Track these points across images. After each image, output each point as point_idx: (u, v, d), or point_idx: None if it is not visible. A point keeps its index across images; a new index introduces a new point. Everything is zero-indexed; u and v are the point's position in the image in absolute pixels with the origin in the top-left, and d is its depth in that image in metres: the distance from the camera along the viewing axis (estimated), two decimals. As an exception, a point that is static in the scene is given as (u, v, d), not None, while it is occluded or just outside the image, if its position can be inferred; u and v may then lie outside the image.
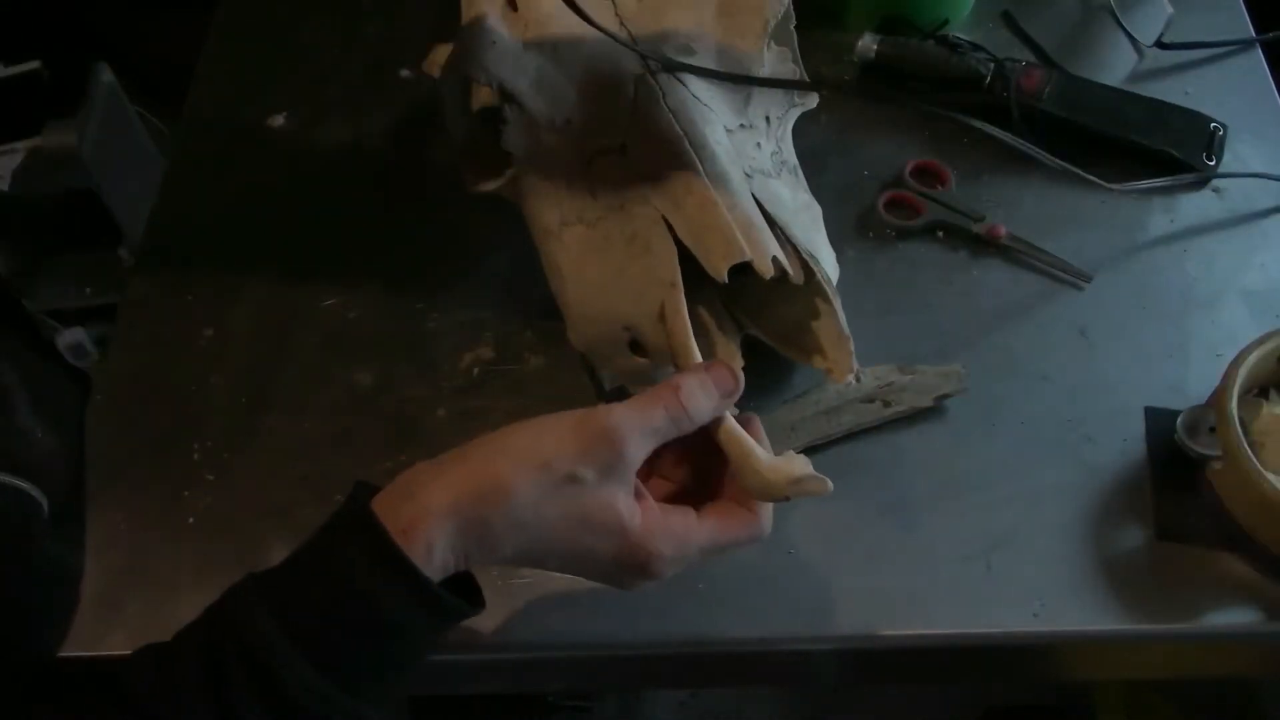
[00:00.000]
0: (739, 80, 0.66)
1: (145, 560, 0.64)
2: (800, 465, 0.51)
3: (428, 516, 0.46)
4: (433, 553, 0.46)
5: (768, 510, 0.52)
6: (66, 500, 0.64)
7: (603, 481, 0.48)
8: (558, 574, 0.62)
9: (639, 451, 0.49)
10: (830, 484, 0.51)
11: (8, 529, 0.59)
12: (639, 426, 0.48)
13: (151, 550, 0.64)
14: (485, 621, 0.60)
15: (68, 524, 0.64)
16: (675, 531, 0.50)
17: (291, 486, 0.67)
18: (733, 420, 0.52)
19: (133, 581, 0.63)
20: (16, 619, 0.59)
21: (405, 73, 0.87)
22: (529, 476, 0.47)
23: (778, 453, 0.52)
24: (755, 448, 0.52)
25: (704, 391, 0.50)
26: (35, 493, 0.60)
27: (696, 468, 0.55)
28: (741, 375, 0.52)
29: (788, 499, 0.51)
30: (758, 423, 0.55)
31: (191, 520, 0.66)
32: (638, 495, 0.50)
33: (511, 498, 0.46)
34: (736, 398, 0.52)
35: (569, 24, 0.64)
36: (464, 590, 0.50)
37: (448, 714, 1.17)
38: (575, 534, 0.48)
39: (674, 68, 0.64)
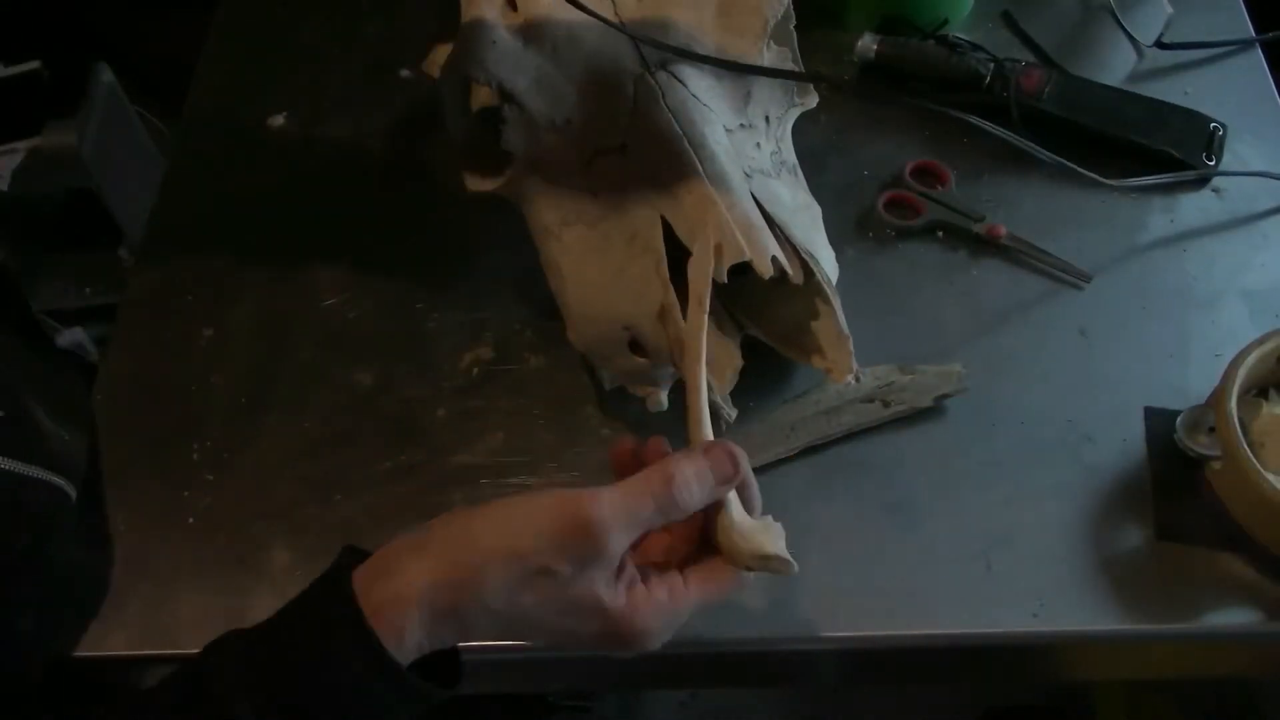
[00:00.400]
0: (736, 68, 0.66)
1: (145, 560, 0.64)
2: (773, 541, 0.49)
3: (399, 602, 0.44)
4: (404, 637, 0.44)
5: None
6: (86, 494, 0.64)
7: (581, 573, 0.46)
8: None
9: (621, 545, 0.46)
10: (796, 567, 0.50)
11: (40, 523, 0.59)
12: (623, 520, 0.46)
13: (151, 550, 0.64)
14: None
15: (88, 517, 0.64)
16: (662, 607, 0.48)
17: (291, 486, 0.67)
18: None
19: (133, 581, 0.63)
20: (42, 617, 0.59)
21: (405, 73, 0.87)
22: (503, 568, 0.45)
23: (768, 476, 0.51)
24: (734, 509, 0.50)
25: (699, 483, 0.47)
26: (65, 485, 0.60)
27: None
28: (743, 458, 0.49)
29: (750, 570, 0.50)
30: (750, 480, 0.51)
31: (191, 520, 0.66)
32: (621, 570, 0.48)
33: (484, 589, 0.45)
34: (735, 483, 0.49)
35: (569, 23, 0.64)
36: (446, 663, 0.48)
37: (448, 714, 1.17)
38: (554, 619, 0.47)
39: (668, 50, 0.64)
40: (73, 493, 0.61)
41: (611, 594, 0.46)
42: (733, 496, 0.50)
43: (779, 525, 0.50)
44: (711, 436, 0.52)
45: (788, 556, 0.50)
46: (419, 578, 0.45)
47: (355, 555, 0.48)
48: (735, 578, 0.50)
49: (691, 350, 0.55)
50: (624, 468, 0.50)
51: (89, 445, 0.67)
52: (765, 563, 0.49)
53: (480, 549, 0.45)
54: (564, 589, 0.45)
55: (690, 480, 0.47)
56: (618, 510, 0.45)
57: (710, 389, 0.57)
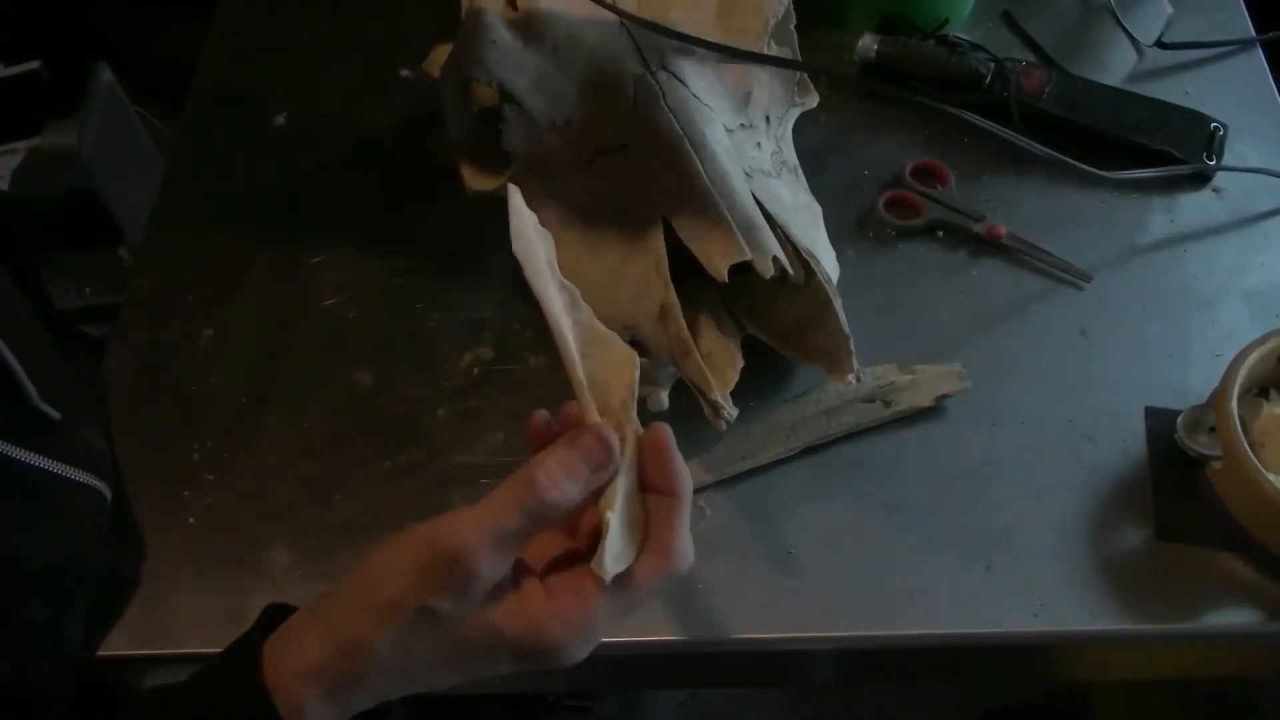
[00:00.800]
0: (736, 55, 0.66)
1: (145, 560, 0.64)
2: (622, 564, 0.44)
3: (296, 678, 0.43)
4: (304, 712, 0.43)
5: (682, 542, 0.45)
6: (116, 495, 0.64)
7: (461, 606, 0.43)
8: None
9: (494, 565, 0.42)
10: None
11: (86, 527, 0.59)
12: (489, 539, 0.42)
13: (151, 550, 0.64)
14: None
15: (119, 519, 0.65)
16: (569, 615, 0.44)
17: (291, 486, 0.67)
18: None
19: (133, 581, 0.63)
20: (90, 624, 0.60)
21: (405, 73, 0.87)
22: (379, 625, 0.42)
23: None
24: (611, 536, 0.44)
25: (568, 476, 0.43)
26: (103, 488, 0.61)
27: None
28: (615, 441, 0.45)
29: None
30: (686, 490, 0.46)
31: (191, 520, 0.66)
32: (517, 587, 0.45)
33: (374, 650, 0.43)
34: (610, 468, 0.45)
35: (569, 23, 0.64)
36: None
37: (448, 714, 1.16)
38: (459, 659, 0.44)
39: (668, 35, 0.64)
40: (109, 495, 0.61)
41: (506, 618, 0.43)
42: (616, 525, 0.44)
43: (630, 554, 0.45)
44: (596, 418, 0.46)
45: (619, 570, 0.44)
46: (313, 651, 0.43)
47: (279, 612, 0.46)
48: (661, 565, 0.45)
49: (557, 337, 0.48)
50: (541, 443, 0.47)
51: (108, 444, 0.67)
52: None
53: (358, 608, 0.43)
54: (453, 627, 0.43)
55: (556, 476, 0.43)
56: (479, 530, 0.42)
57: (711, 388, 0.57)
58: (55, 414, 0.57)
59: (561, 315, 0.48)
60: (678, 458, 0.46)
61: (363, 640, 0.43)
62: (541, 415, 0.49)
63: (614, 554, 0.44)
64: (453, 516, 0.42)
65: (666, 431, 0.46)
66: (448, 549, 0.41)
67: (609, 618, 0.45)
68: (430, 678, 0.45)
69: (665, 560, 0.45)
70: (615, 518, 0.44)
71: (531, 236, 0.47)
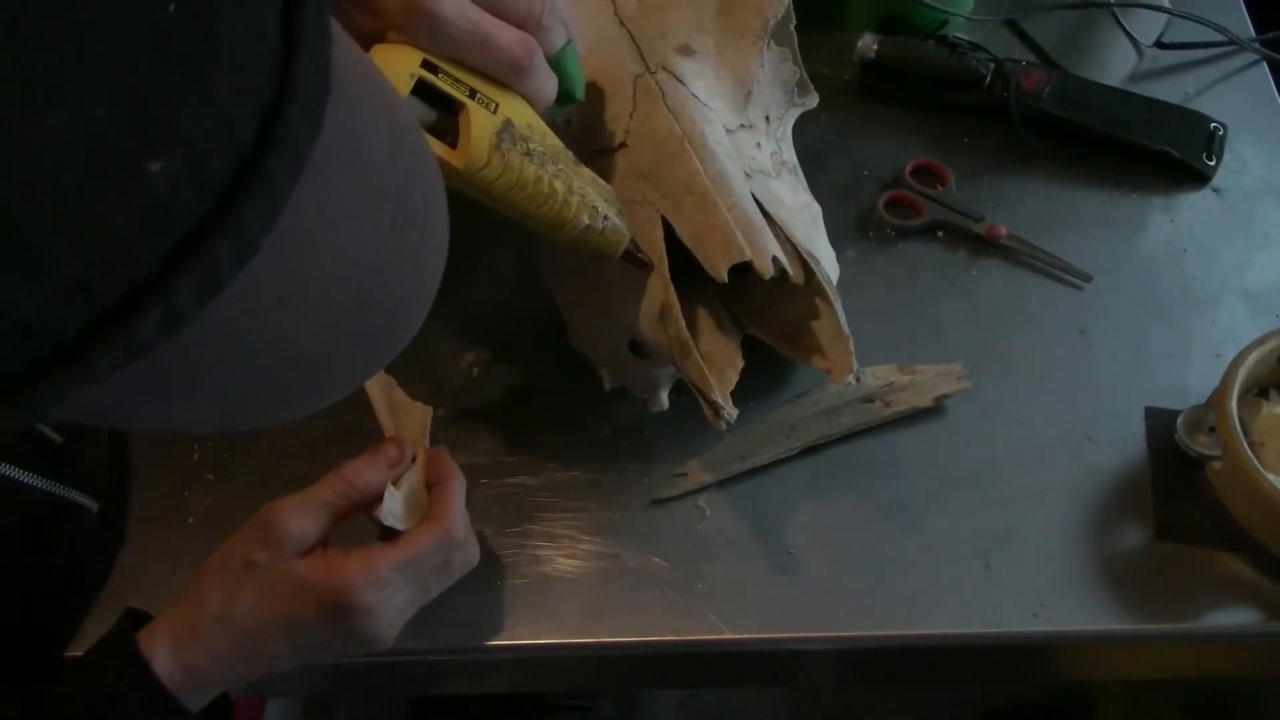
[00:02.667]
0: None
1: (145, 560, 0.64)
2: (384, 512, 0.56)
3: (150, 632, 0.52)
4: (152, 660, 0.51)
5: (450, 510, 0.55)
6: (110, 501, 0.65)
7: (276, 559, 0.53)
8: (555, 575, 0.62)
9: (306, 526, 0.54)
10: (402, 527, 0.56)
11: (72, 544, 0.61)
12: (301, 506, 0.54)
13: (151, 550, 0.64)
14: (485, 621, 0.60)
15: (111, 523, 0.65)
16: (359, 564, 0.53)
17: (291, 486, 0.66)
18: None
19: (133, 581, 0.63)
20: (39, 618, 0.61)
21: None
22: (214, 575, 0.53)
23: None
24: (387, 498, 0.56)
25: (370, 468, 0.56)
26: (90, 504, 0.63)
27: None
28: (407, 447, 0.58)
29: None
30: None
31: (191, 520, 0.66)
32: (322, 548, 0.54)
33: (206, 598, 0.53)
34: (402, 465, 0.57)
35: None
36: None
37: (448, 714, 1.17)
38: (273, 608, 0.53)
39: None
40: (95, 508, 0.62)
41: (309, 567, 0.53)
42: (394, 492, 0.56)
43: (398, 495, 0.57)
44: (390, 432, 0.65)
45: (397, 526, 0.56)
46: (168, 611, 0.53)
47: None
48: (433, 527, 0.55)
49: (376, 408, 0.68)
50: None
51: (118, 451, 0.68)
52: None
53: (203, 570, 0.54)
54: (268, 574, 0.53)
55: (359, 466, 0.56)
56: (294, 502, 0.54)
57: (711, 388, 0.57)
58: (58, 437, 0.60)
59: (378, 392, 0.67)
60: (450, 461, 0.58)
61: (202, 589, 0.53)
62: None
63: (391, 510, 0.56)
64: (279, 500, 0.54)
65: (443, 448, 0.60)
66: (265, 513, 0.54)
67: (398, 570, 0.53)
68: (257, 634, 0.53)
69: (436, 522, 0.55)
70: (395, 489, 0.57)
71: None
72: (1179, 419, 0.62)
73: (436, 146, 0.47)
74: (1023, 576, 0.60)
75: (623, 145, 0.62)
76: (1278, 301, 0.71)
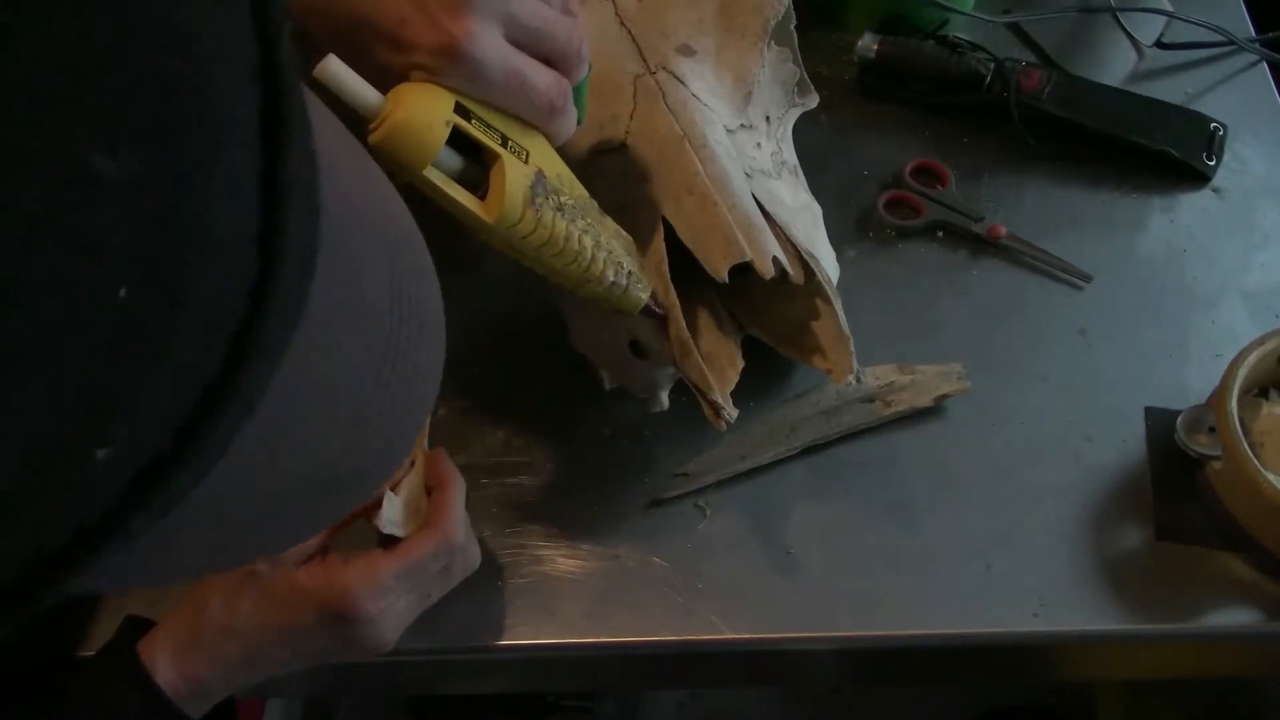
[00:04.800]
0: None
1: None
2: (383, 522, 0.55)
3: (150, 643, 0.53)
4: (154, 668, 0.52)
5: (450, 515, 0.55)
6: None
7: (276, 568, 0.53)
8: (555, 575, 0.62)
9: None
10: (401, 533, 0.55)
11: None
12: None
13: (151, 550, 0.64)
14: (485, 621, 0.60)
15: None
16: (358, 569, 0.53)
17: (291, 486, 0.67)
18: None
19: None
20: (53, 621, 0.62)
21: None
22: (214, 584, 0.53)
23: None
24: (386, 504, 0.55)
25: None
26: None
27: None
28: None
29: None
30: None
31: (191, 520, 0.65)
32: (322, 556, 0.54)
33: (207, 607, 0.53)
34: (401, 471, 0.57)
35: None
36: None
37: (448, 714, 1.16)
38: (273, 616, 0.53)
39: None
40: None
41: (307, 574, 0.53)
42: (393, 498, 0.56)
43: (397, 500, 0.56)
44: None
45: (396, 533, 0.55)
46: (168, 619, 0.54)
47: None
48: (433, 534, 0.54)
49: None
50: None
51: None
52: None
53: (205, 581, 0.54)
54: (269, 583, 0.53)
55: None
56: None
57: (711, 388, 0.57)
58: None
59: None
60: (449, 464, 0.58)
61: (204, 598, 0.53)
62: None
63: (390, 518, 0.55)
64: None
65: (441, 450, 0.59)
66: None
67: (398, 577, 0.53)
68: (260, 641, 0.53)
69: (436, 528, 0.54)
70: (394, 494, 0.56)
71: None
72: (1179, 419, 0.62)
73: (466, 199, 0.45)
74: (1023, 576, 0.60)
75: (623, 145, 0.62)
76: (1278, 301, 0.71)
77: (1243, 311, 0.70)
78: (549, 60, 0.47)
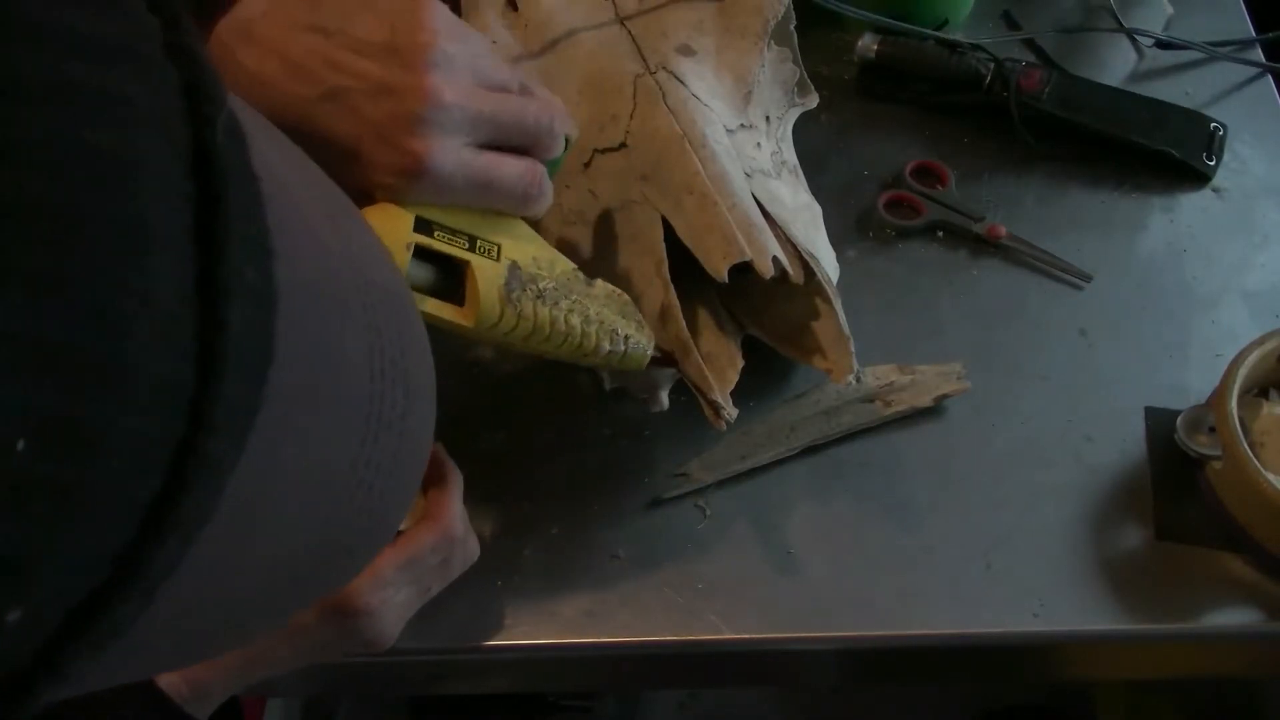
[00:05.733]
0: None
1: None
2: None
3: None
4: (157, 678, 0.51)
5: (451, 511, 0.55)
6: None
7: None
8: (555, 575, 0.62)
9: None
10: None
11: None
12: None
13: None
14: (485, 621, 0.60)
15: None
16: None
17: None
18: None
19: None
20: None
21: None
22: None
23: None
24: None
25: None
26: None
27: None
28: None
29: None
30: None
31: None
32: None
33: None
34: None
35: (569, 23, 0.64)
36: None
37: (448, 714, 1.16)
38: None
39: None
40: None
41: None
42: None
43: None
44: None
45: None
46: None
47: None
48: (432, 525, 0.54)
49: None
50: None
51: None
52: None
53: None
54: None
55: None
56: None
57: (711, 388, 0.57)
58: None
59: None
60: (448, 459, 0.58)
61: None
62: None
63: None
64: None
65: (439, 445, 0.58)
66: None
67: (398, 570, 0.53)
68: (261, 645, 0.52)
69: (435, 521, 0.54)
70: None
71: None
72: (1179, 419, 0.62)
73: (442, 309, 0.46)
74: (1023, 576, 0.60)
75: (623, 145, 0.62)
76: (1278, 301, 0.71)
77: (1243, 311, 0.70)
78: (520, 148, 0.47)
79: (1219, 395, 0.59)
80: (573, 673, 0.66)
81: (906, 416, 0.66)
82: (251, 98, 0.42)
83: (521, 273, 0.48)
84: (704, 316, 0.63)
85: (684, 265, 0.58)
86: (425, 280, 0.46)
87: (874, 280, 0.73)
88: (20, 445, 0.14)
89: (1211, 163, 0.76)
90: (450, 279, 0.46)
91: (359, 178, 0.44)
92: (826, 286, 0.61)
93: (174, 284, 0.16)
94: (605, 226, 0.62)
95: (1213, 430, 0.60)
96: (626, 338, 0.52)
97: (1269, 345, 0.60)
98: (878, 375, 0.67)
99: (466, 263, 0.46)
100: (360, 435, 0.22)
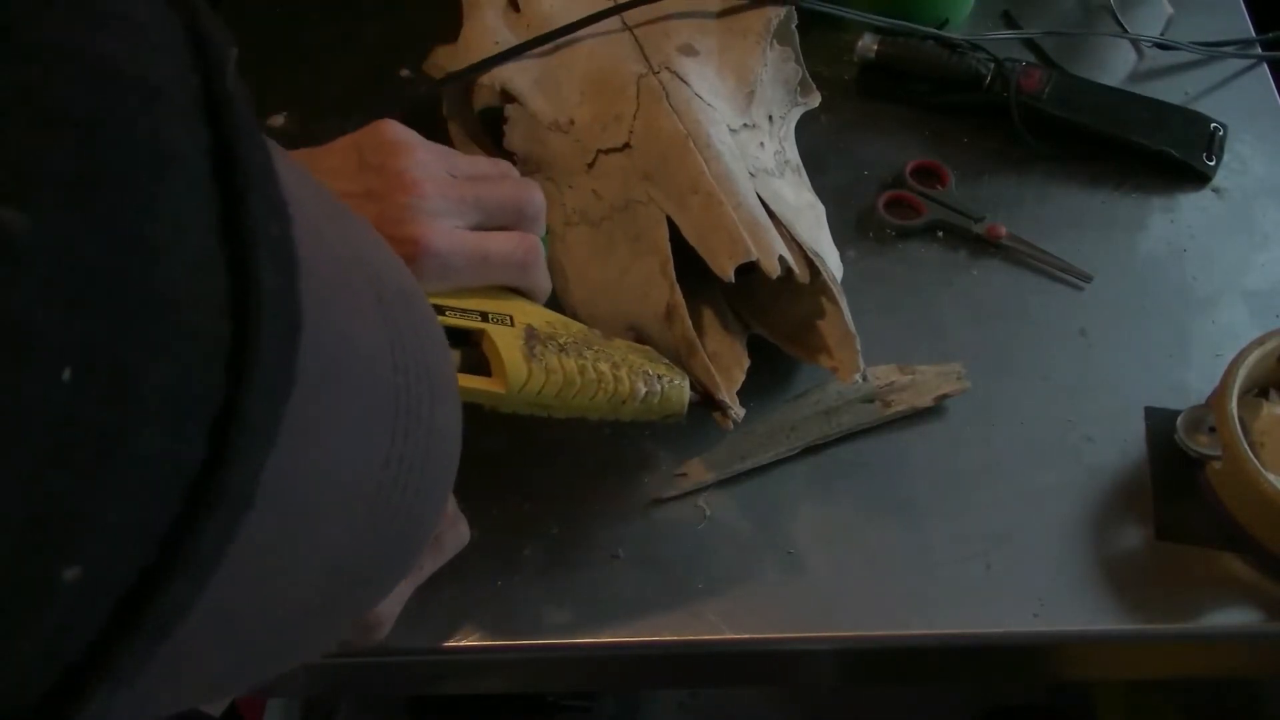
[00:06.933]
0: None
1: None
2: None
3: None
4: None
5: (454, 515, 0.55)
6: None
7: None
8: (555, 575, 0.62)
9: None
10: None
11: None
12: None
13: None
14: (485, 621, 0.60)
15: None
16: None
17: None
18: None
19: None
20: None
21: (405, 73, 0.87)
22: None
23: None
24: None
25: None
26: None
27: None
28: None
29: None
30: None
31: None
32: None
33: None
34: None
35: (570, 22, 0.64)
36: None
37: (448, 714, 1.16)
38: None
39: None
40: None
41: None
42: None
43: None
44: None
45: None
46: None
47: None
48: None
49: None
50: None
51: None
52: None
53: None
54: None
55: None
56: None
57: (718, 387, 0.57)
58: None
59: None
60: None
61: None
62: None
63: None
64: None
65: None
66: None
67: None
68: None
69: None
70: None
71: None
72: (1179, 419, 0.62)
73: (473, 382, 0.47)
74: (1023, 576, 0.60)
75: (627, 145, 0.62)
76: (1278, 301, 0.71)
77: (1243, 311, 0.70)
78: (508, 226, 0.49)
79: (1219, 395, 0.59)
80: (573, 673, 0.66)
81: (906, 416, 0.66)
82: None
83: (539, 332, 0.49)
84: (709, 316, 0.63)
85: (688, 265, 0.58)
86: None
87: (874, 280, 0.73)
88: (67, 375, 0.14)
89: (1211, 163, 0.77)
90: (472, 357, 0.47)
91: None
92: (832, 285, 0.61)
93: (200, 214, 0.16)
94: (609, 226, 0.62)
95: (1213, 430, 0.60)
96: (659, 377, 0.53)
97: (1269, 345, 0.60)
98: (878, 375, 0.67)
99: (483, 332, 0.47)
100: (390, 429, 0.22)
